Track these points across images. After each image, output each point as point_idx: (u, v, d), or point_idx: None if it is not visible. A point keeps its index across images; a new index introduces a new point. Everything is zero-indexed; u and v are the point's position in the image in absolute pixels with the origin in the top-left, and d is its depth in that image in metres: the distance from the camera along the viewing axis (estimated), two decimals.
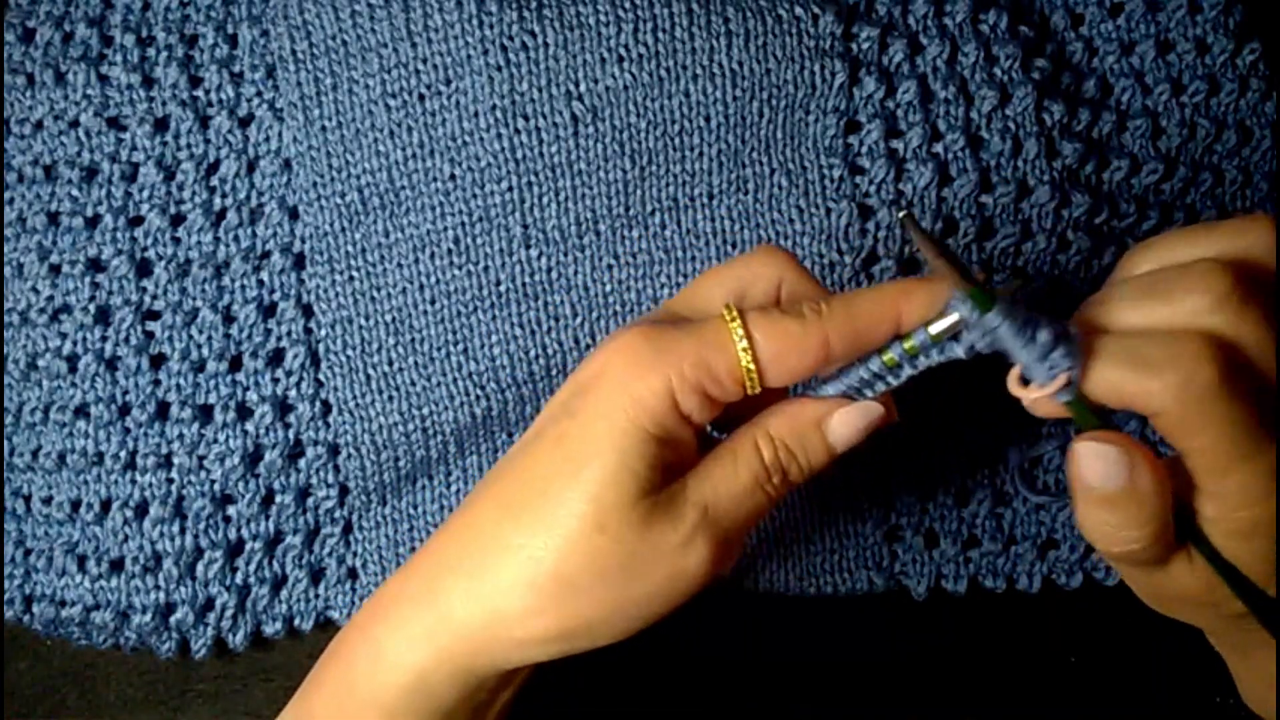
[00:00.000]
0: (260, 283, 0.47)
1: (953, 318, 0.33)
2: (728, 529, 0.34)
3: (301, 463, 0.47)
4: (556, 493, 0.33)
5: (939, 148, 0.47)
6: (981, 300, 0.32)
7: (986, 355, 0.33)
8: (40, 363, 0.48)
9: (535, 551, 0.33)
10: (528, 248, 0.46)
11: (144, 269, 0.47)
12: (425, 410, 0.47)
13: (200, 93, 0.48)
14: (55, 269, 0.48)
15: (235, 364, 0.47)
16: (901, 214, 0.33)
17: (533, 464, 0.34)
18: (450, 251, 0.46)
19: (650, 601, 0.34)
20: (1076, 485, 0.33)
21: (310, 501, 0.47)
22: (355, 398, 0.47)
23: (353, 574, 0.48)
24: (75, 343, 0.47)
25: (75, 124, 0.48)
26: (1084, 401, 0.32)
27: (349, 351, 0.47)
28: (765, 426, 0.35)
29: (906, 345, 0.34)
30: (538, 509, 0.33)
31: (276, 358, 0.47)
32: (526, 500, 0.34)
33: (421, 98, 0.46)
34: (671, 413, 0.33)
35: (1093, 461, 0.32)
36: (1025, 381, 0.33)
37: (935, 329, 0.33)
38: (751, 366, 0.33)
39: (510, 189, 0.46)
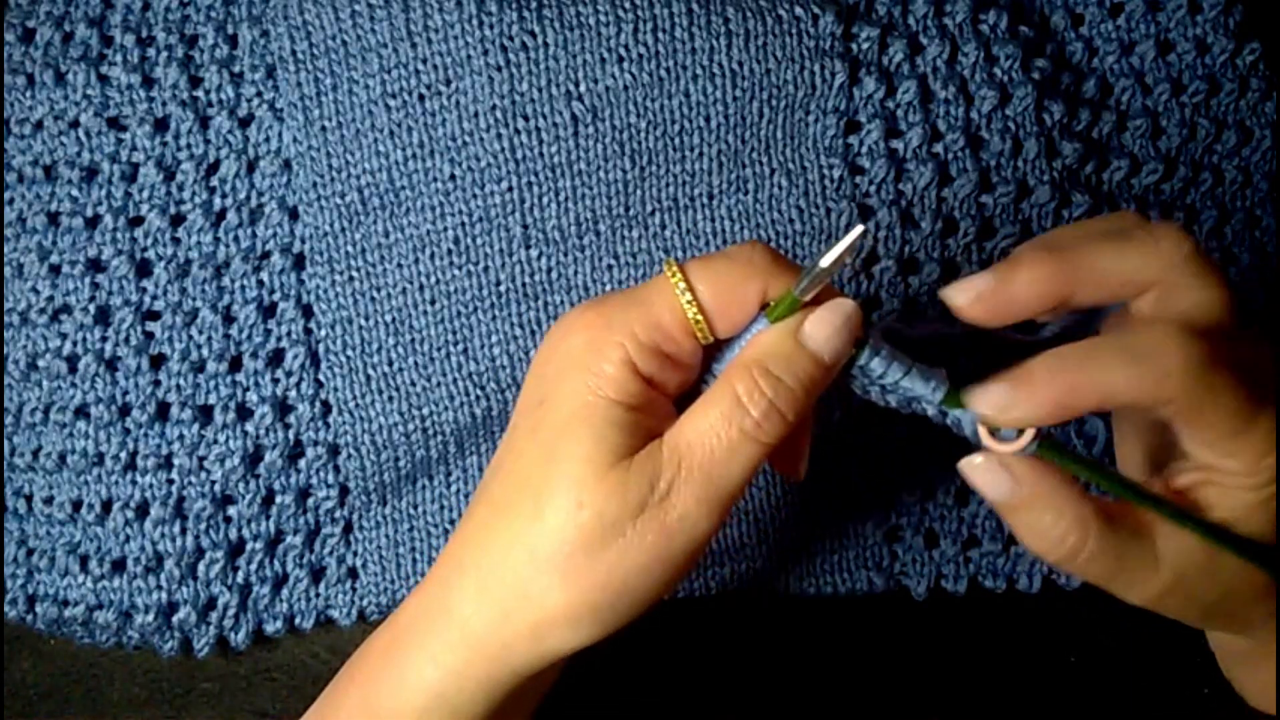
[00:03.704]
0: (260, 283, 0.47)
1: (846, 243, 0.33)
2: (710, 476, 0.33)
3: (301, 463, 0.47)
4: (539, 480, 0.33)
5: (939, 148, 0.47)
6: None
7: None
8: (40, 363, 0.48)
9: (530, 540, 0.33)
10: (528, 248, 0.46)
11: (144, 269, 0.47)
12: (425, 410, 0.47)
13: (200, 93, 0.48)
14: (55, 269, 0.48)
15: (235, 364, 0.47)
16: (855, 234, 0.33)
17: (514, 458, 0.34)
18: (450, 251, 0.46)
19: (650, 567, 0.33)
20: (988, 503, 0.35)
21: (310, 502, 0.48)
22: (355, 398, 0.47)
23: (353, 573, 0.48)
24: (75, 343, 0.47)
25: (75, 124, 0.48)
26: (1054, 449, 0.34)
27: (349, 352, 0.47)
28: (735, 361, 0.34)
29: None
30: (524, 500, 0.34)
31: (276, 358, 0.47)
32: (513, 494, 0.34)
33: (421, 98, 0.46)
34: (634, 379, 0.33)
35: (974, 476, 0.34)
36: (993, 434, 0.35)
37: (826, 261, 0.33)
38: (699, 316, 0.33)
39: (510, 189, 0.46)
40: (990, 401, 0.33)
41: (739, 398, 0.33)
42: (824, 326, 0.34)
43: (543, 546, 0.33)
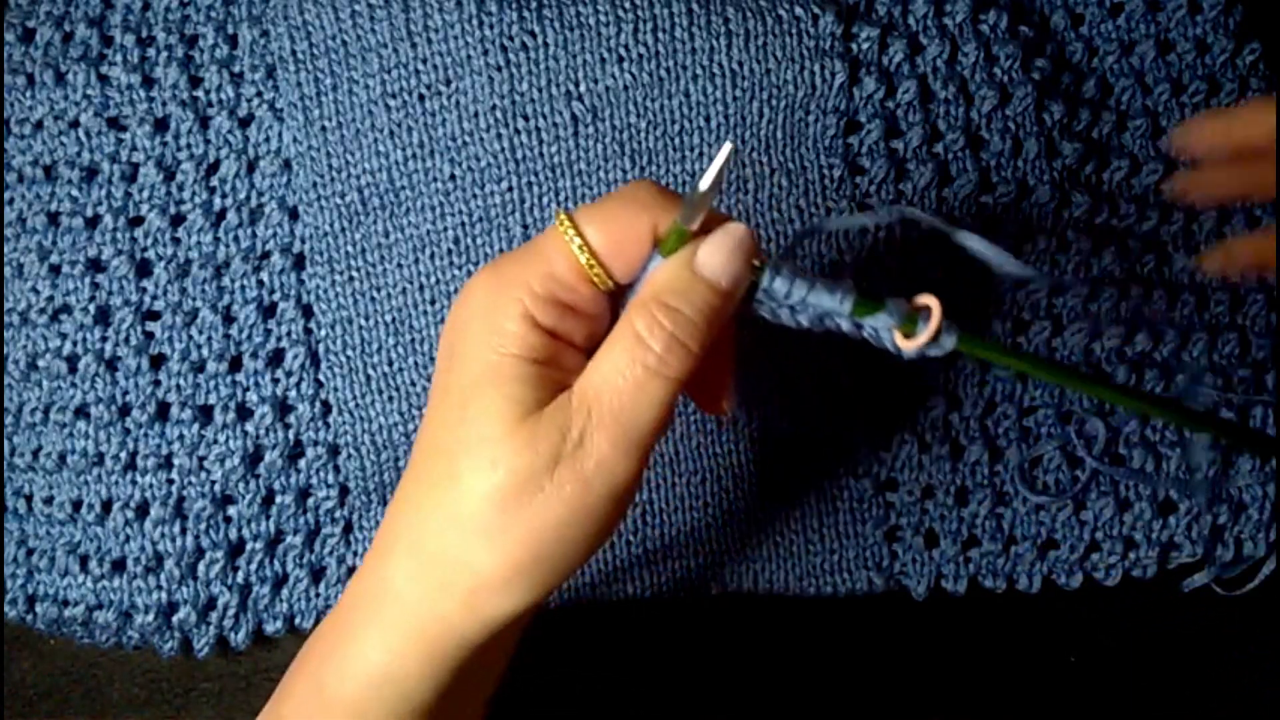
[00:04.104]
0: (260, 283, 0.47)
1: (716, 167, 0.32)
2: (621, 418, 0.32)
3: (302, 463, 0.47)
4: (452, 445, 0.33)
5: (939, 148, 0.47)
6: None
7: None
8: (40, 363, 0.48)
9: (450, 505, 0.33)
10: None
11: (144, 269, 0.48)
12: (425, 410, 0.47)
13: (200, 93, 0.48)
14: (55, 269, 0.48)
15: (235, 364, 0.47)
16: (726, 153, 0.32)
17: (428, 428, 0.34)
18: (450, 251, 0.46)
19: (572, 519, 0.32)
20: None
21: (310, 501, 0.48)
22: (355, 398, 0.47)
23: (353, 573, 0.48)
24: (75, 343, 0.47)
25: (75, 124, 0.48)
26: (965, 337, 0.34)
27: (349, 352, 0.47)
28: (633, 300, 0.33)
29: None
30: (441, 466, 0.33)
31: (276, 358, 0.47)
32: (430, 462, 0.34)
33: (421, 98, 0.46)
34: (534, 332, 0.33)
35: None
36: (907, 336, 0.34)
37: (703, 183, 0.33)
38: (592, 261, 0.33)
39: (510, 189, 0.46)
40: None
41: (639, 335, 0.33)
42: (717, 252, 0.33)
43: (463, 510, 0.32)
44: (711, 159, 0.46)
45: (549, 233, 0.33)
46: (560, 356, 0.33)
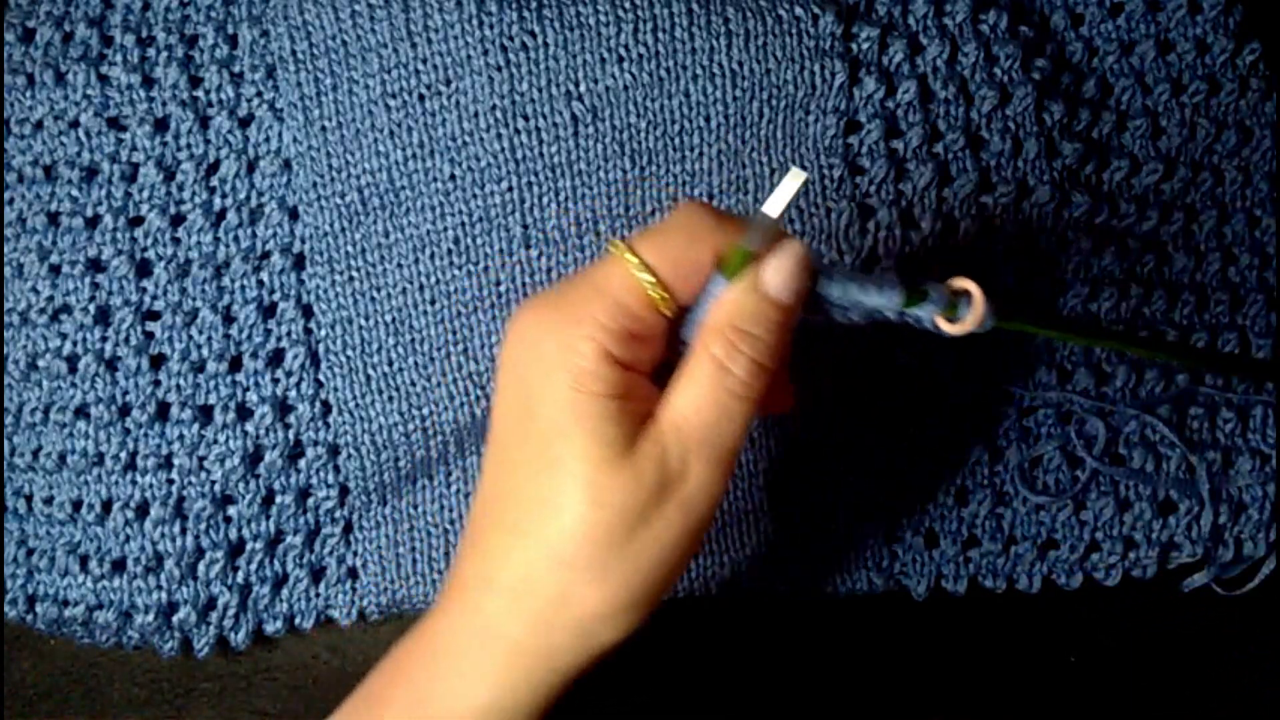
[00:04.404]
0: (260, 283, 0.47)
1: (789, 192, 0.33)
2: (713, 441, 0.34)
3: (302, 463, 0.47)
4: (546, 488, 0.34)
5: (939, 148, 0.47)
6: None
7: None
8: (40, 363, 0.48)
9: (555, 548, 0.33)
10: (528, 248, 0.46)
11: (144, 269, 0.48)
12: (425, 410, 0.47)
13: (200, 93, 0.48)
14: (55, 269, 0.48)
15: (235, 364, 0.47)
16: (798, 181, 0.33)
17: (511, 471, 0.35)
18: (450, 251, 0.46)
19: (677, 543, 0.34)
20: None
21: (310, 501, 0.48)
22: (355, 398, 0.47)
23: (353, 573, 0.48)
24: (75, 343, 0.47)
25: (75, 124, 0.48)
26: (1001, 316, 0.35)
27: (349, 352, 0.47)
28: (706, 326, 0.35)
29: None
30: (537, 509, 0.34)
31: (276, 358, 0.47)
32: (523, 506, 0.34)
33: (421, 98, 0.46)
34: (611, 368, 0.33)
35: None
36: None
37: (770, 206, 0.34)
38: (664, 295, 0.33)
39: (510, 189, 0.46)
40: None
41: (721, 362, 0.34)
42: (781, 273, 0.34)
43: (569, 551, 0.33)
44: (712, 158, 0.46)
45: (608, 263, 0.34)
46: (634, 386, 0.34)
